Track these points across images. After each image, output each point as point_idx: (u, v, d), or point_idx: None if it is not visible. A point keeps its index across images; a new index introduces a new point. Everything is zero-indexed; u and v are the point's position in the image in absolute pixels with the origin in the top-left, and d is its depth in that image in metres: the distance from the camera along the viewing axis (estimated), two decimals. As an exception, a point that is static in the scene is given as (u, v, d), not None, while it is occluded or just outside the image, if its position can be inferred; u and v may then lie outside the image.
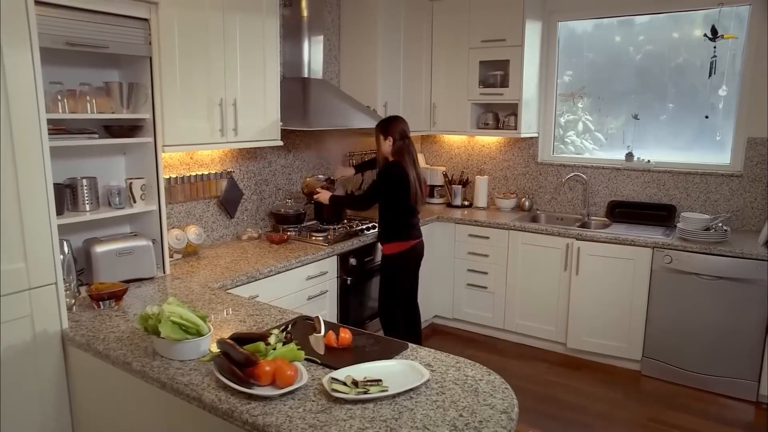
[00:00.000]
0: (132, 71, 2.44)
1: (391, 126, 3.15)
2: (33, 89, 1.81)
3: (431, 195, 4.60)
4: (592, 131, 4.29)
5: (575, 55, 4.20)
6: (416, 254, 3.28)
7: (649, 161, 3.93)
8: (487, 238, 3.98)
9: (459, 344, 4.04)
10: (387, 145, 3.14)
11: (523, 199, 4.37)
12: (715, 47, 3.59)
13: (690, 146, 3.88)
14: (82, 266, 2.36)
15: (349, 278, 3.25)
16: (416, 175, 3.14)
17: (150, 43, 2.36)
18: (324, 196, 3.30)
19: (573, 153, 4.36)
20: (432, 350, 1.79)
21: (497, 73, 4.13)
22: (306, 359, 1.65)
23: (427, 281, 3.96)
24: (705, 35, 3.59)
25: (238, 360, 1.51)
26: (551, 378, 3.55)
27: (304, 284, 2.95)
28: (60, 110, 2.19)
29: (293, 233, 3.36)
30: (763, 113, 3.49)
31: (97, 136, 2.29)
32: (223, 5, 2.68)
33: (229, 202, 3.22)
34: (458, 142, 4.70)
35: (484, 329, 4.15)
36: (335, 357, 1.71)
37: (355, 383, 1.47)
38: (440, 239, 4.11)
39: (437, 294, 4.20)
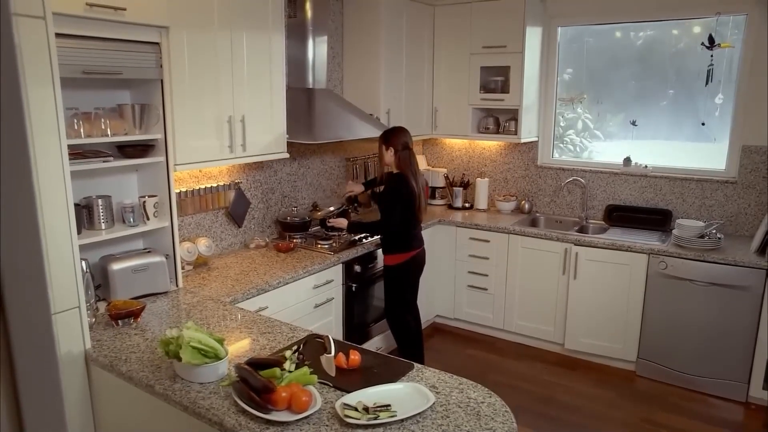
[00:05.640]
0: (143, 93, 2.51)
1: (393, 137, 3.23)
2: (55, 121, 1.89)
3: (432, 196, 4.69)
4: (591, 129, 4.38)
5: (576, 41, 4.26)
6: (417, 263, 3.38)
7: (646, 166, 4.01)
8: (488, 241, 4.08)
9: (459, 343, 4.17)
10: (389, 156, 3.22)
11: (523, 201, 4.46)
12: (712, 56, 3.65)
13: (686, 152, 3.97)
14: (98, 282, 2.45)
15: (354, 285, 3.35)
16: (417, 186, 3.22)
17: (161, 66, 2.43)
18: (342, 222, 3.36)
19: (572, 152, 4.44)
20: (436, 371, 1.89)
21: (498, 78, 4.20)
22: (318, 382, 1.76)
23: (429, 282, 4.07)
24: (702, 44, 3.65)
25: (256, 386, 1.61)
26: (548, 378, 3.67)
27: (310, 293, 3.05)
28: (76, 135, 2.27)
29: (299, 240, 3.45)
30: (758, 121, 3.57)
31: (111, 158, 2.37)
32: (231, 25, 2.74)
33: (237, 212, 3.31)
34: (459, 144, 4.77)
35: (484, 329, 4.27)
36: (346, 379, 1.81)
37: (366, 409, 1.58)
38: (442, 242, 4.21)
39: (439, 294, 4.32)
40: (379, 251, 3.48)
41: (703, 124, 3.82)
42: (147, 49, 2.37)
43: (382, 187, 3.45)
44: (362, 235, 3.54)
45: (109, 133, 2.37)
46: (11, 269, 0.80)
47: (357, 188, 3.70)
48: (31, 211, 0.82)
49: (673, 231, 3.59)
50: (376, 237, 3.53)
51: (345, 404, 1.61)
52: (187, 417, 1.71)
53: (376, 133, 3.50)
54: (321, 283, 3.11)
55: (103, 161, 2.33)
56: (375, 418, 1.55)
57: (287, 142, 3.17)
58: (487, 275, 4.13)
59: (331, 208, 3.59)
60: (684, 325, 3.45)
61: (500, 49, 4.06)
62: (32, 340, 0.85)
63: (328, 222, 3.43)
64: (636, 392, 3.50)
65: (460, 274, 4.24)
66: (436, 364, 3.27)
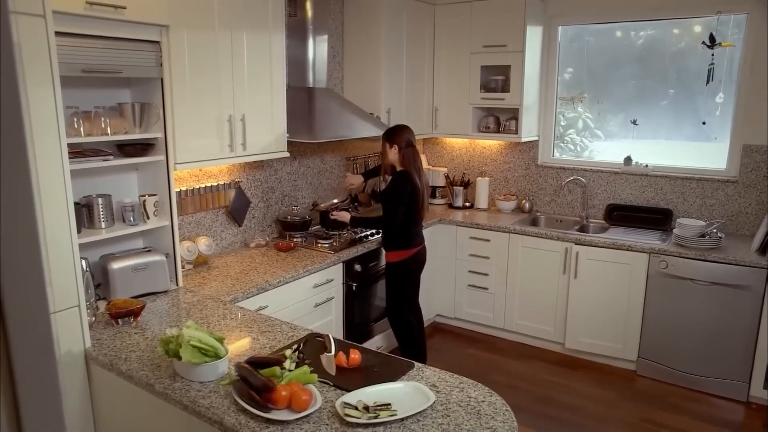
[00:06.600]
0: (143, 91, 2.51)
1: (396, 135, 3.24)
2: (55, 120, 1.88)
3: (433, 196, 4.69)
4: (592, 129, 4.37)
5: (576, 40, 4.26)
6: (418, 261, 3.39)
7: (647, 166, 4.01)
8: (488, 240, 4.07)
9: (460, 343, 4.16)
10: (393, 153, 3.23)
11: (524, 200, 4.46)
12: (713, 55, 3.65)
13: (687, 151, 3.97)
14: (98, 281, 2.45)
15: (354, 284, 3.35)
16: (421, 183, 3.24)
17: (161, 65, 2.43)
18: (344, 217, 3.36)
19: (573, 151, 4.44)
20: (437, 370, 1.89)
21: (498, 77, 4.19)
22: (319, 380, 1.75)
23: (430, 282, 4.07)
24: (703, 42, 3.64)
25: (256, 385, 1.61)
26: (548, 378, 3.67)
27: (311, 292, 3.05)
28: (76, 133, 2.26)
29: (299, 240, 3.45)
30: (758, 121, 3.57)
31: (112, 157, 2.36)
32: (231, 24, 2.74)
33: (237, 211, 3.31)
34: (460, 144, 4.77)
35: (484, 328, 4.26)
36: (346, 378, 1.81)
37: (366, 408, 1.58)
38: (442, 241, 4.21)
39: (439, 294, 4.31)
40: (380, 250, 3.48)
41: (703, 123, 3.82)
42: (147, 47, 2.37)
43: (383, 186, 3.46)
44: (363, 234, 3.54)
45: (109, 131, 2.37)
46: (9, 267, 0.80)
47: (356, 180, 3.70)
48: (29, 209, 0.82)
49: (674, 230, 3.58)
50: (377, 236, 3.53)
51: (345, 403, 1.60)
52: (187, 416, 1.70)
53: (377, 132, 3.50)
54: (321, 282, 3.11)
55: (103, 160, 2.33)
56: (375, 417, 1.55)
57: (287, 141, 3.17)
58: (487, 275, 4.13)
59: (335, 201, 3.59)
60: (685, 324, 3.44)
61: (501, 49, 4.06)
62: (31, 339, 0.85)
63: (331, 215, 3.43)
64: (636, 392, 3.50)
65: (460, 274, 4.24)
66: (436, 363, 3.26)
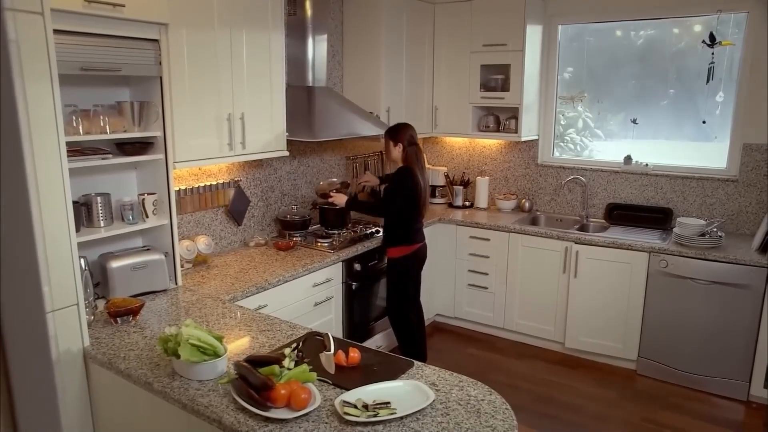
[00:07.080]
0: (142, 90, 2.51)
1: (399, 133, 3.27)
2: (53, 118, 1.88)
3: (433, 195, 4.68)
4: (592, 128, 4.37)
5: (576, 39, 4.25)
6: (420, 257, 3.41)
7: (647, 165, 4.00)
8: (488, 240, 4.07)
9: (460, 342, 4.16)
10: (396, 152, 3.26)
11: (523, 200, 4.45)
12: (713, 53, 3.64)
13: (687, 151, 3.96)
14: (97, 279, 2.44)
15: (354, 283, 3.35)
16: (423, 180, 3.26)
17: (160, 63, 2.42)
18: (340, 199, 3.38)
19: (573, 150, 4.43)
20: (436, 368, 1.88)
21: (498, 77, 4.19)
22: (318, 379, 1.75)
23: (430, 281, 4.06)
24: (703, 41, 3.64)
25: (255, 384, 1.60)
26: (549, 377, 3.66)
27: (310, 291, 3.04)
28: (75, 132, 2.26)
29: (299, 239, 3.44)
30: (759, 120, 3.56)
31: (110, 156, 2.36)
32: (231, 23, 2.73)
33: (237, 210, 3.30)
34: (459, 143, 4.76)
35: (484, 328, 4.26)
36: (345, 377, 1.81)
37: (366, 406, 1.57)
38: (442, 240, 4.20)
39: (439, 293, 4.31)
40: (380, 249, 3.48)
41: (704, 122, 3.82)
42: (146, 46, 2.36)
43: (386, 185, 3.48)
44: (363, 233, 3.54)
45: (108, 130, 2.36)
46: (5, 265, 0.79)
47: (374, 180, 3.73)
48: (24, 206, 0.81)
49: (674, 229, 3.58)
50: (377, 235, 3.53)
51: (344, 401, 1.60)
52: (185, 414, 1.70)
53: (377, 131, 3.50)
54: (321, 281, 3.10)
55: (102, 158, 2.33)
56: (374, 416, 1.54)
57: (287, 140, 3.16)
58: (487, 274, 4.12)
59: (334, 179, 3.58)
60: (685, 323, 3.44)
61: (501, 48, 4.05)
62: (27, 337, 0.84)
63: (330, 196, 3.43)
64: (637, 391, 3.49)
65: (460, 273, 4.23)
66: (436, 363, 3.25)
